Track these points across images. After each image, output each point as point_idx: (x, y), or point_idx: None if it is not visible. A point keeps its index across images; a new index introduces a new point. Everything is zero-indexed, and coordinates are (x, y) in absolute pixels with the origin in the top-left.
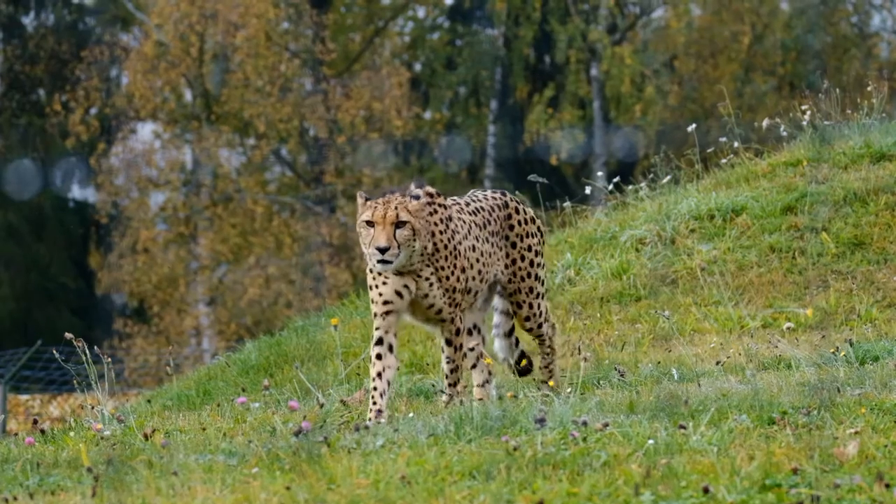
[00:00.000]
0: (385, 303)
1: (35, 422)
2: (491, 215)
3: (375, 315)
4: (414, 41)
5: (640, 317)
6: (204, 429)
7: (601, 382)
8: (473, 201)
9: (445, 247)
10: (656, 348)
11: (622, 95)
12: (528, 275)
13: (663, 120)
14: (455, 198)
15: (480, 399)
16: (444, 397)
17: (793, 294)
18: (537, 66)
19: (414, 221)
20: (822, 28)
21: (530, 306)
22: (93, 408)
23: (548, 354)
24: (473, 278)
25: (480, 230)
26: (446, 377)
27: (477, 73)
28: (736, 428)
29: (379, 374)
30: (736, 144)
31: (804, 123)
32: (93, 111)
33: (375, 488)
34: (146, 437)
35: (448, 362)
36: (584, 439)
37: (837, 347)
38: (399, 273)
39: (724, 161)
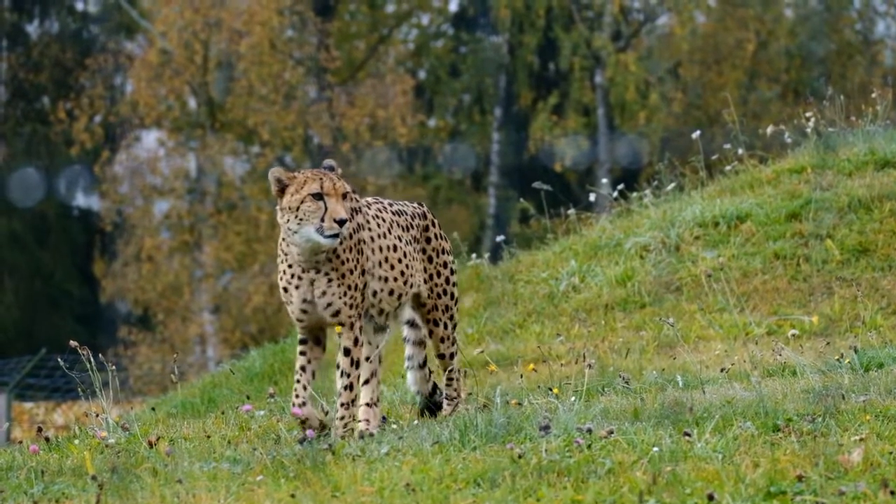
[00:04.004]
0: (298, 319)
1: (39, 430)
2: (413, 221)
3: (293, 322)
4: (418, 49)
5: (645, 324)
6: (208, 436)
7: (605, 389)
8: (396, 203)
9: (350, 237)
10: (661, 355)
11: (626, 102)
12: (445, 292)
13: (667, 127)
14: (377, 197)
15: (366, 420)
16: (336, 421)
17: (797, 301)
18: (541, 74)
19: (350, 193)
20: (826, 35)
21: (445, 326)
22: (97, 416)
23: (452, 399)
24: (396, 279)
25: (403, 231)
26: (339, 395)
27: (481, 80)
28: (741, 435)
29: (302, 368)
30: (740, 151)
31: (808, 130)
32: (97, 119)
33: (380, 496)
34: (150, 444)
35: (343, 377)
36: (589, 447)
37: (842, 354)
38: (298, 286)
39: (728, 168)
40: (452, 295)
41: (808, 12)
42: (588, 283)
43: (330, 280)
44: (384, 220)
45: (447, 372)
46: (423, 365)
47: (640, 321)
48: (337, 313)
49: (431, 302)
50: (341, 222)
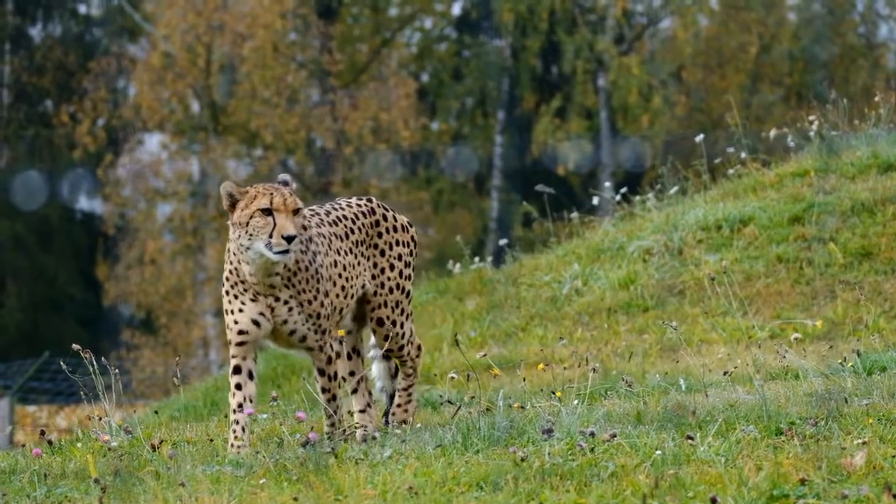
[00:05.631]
0: (240, 332)
1: (42, 433)
2: (354, 223)
3: (231, 342)
4: (421, 52)
5: (648, 327)
6: (211, 440)
7: (608, 393)
8: (335, 209)
9: (306, 269)
10: (664, 359)
11: (629, 106)
12: (396, 286)
13: (670, 130)
14: (314, 207)
15: (363, 426)
16: (326, 429)
17: (800, 304)
18: (544, 77)
19: (303, 209)
20: (829, 38)
21: (393, 324)
22: (100, 419)
23: (409, 376)
24: (337, 295)
25: (342, 241)
26: (325, 409)
27: (484, 83)
28: (743, 438)
29: (240, 406)
30: (743, 155)
31: (811, 134)
32: (100, 122)
33: (383, 499)
34: (153, 448)
35: (324, 392)
36: (592, 450)
37: (845, 358)
38: (255, 299)
39: (731, 171)
40: (404, 289)
41: (811, 15)
42: (591, 287)
43: (290, 309)
44: (324, 237)
45: (399, 359)
46: (387, 356)
47: (643, 324)
48: (304, 339)
49: (379, 299)
50: (289, 239)
